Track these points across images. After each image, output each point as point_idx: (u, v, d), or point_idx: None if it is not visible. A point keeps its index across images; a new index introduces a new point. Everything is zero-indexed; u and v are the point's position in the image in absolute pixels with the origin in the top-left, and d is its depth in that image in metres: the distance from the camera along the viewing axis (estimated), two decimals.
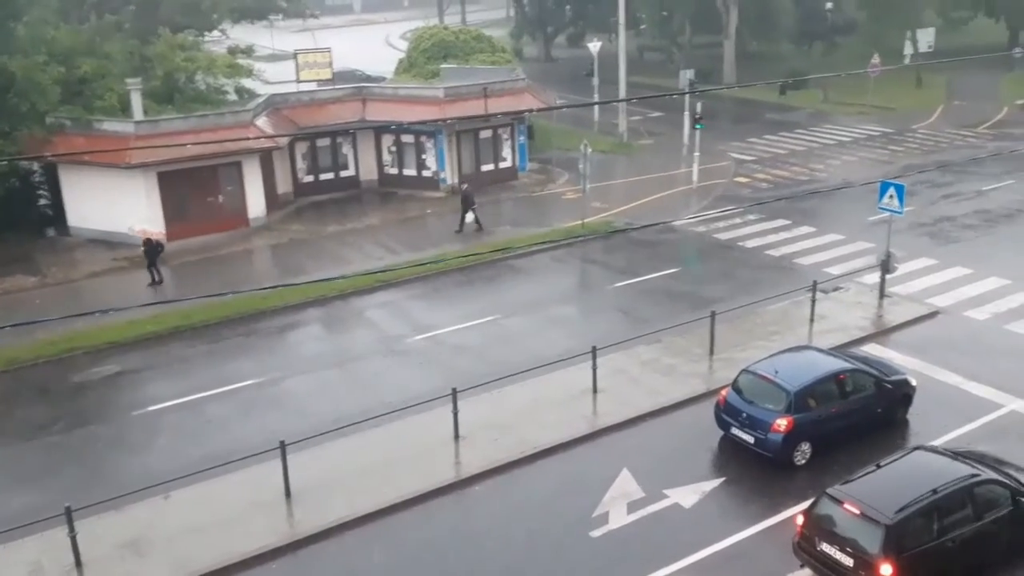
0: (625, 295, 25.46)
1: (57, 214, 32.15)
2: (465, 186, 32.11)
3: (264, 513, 15.55)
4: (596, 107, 46.34)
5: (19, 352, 21.93)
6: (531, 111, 37.17)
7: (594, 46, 44.73)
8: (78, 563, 14.13)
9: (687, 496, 15.94)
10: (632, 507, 15.69)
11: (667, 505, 15.73)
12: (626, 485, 16.27)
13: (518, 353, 21.42)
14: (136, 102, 30.08)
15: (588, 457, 17.33)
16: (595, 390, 19.26)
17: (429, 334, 23.04)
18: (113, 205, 30.31)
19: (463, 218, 30.82)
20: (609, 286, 26.22)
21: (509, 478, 16.72)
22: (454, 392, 17.51)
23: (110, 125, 29.85)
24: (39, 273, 27.90)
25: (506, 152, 37.88)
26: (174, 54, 34.18)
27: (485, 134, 36.96)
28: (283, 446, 15.71)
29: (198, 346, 22.91)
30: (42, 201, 33.65)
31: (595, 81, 44.07)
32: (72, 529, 14.01)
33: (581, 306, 25.43)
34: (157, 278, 26.79)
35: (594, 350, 19.19)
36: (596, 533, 15.06)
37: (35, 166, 33.00)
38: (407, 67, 44.04)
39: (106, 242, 30.21)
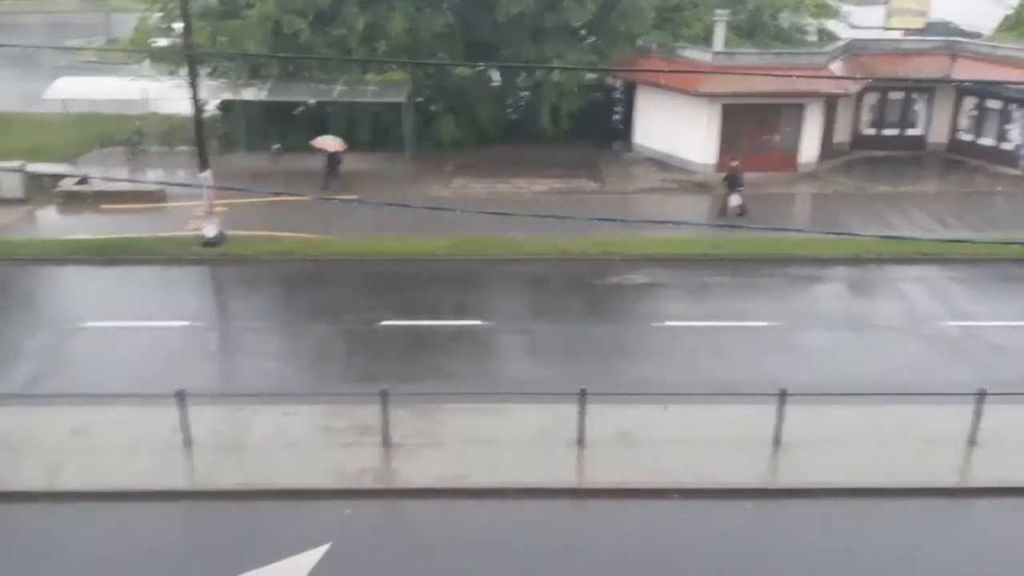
0: None
1: (626, 130, 35.16)
2: (735, 163, 27.31)
3: (747, 452, 15.70)
4: None
5: (570, 245, 24.78)
6: None
7: None
8: (580, 440, 15.83)
9: None
10: None
11: None
12: None
13: None
14: (719, 33, 31.09)
15: None
16: None
17: (965, 323, 20.76)
18: (675, 129, 32.16)
19: (726, 201, 26.96)
20: None
21: None
22: (981, 394, 15.64)
23: (690, 53, 31.39)
24: (600, 180, 30.97)
25: None
26: None
27: None
28: (782, 395, 15.62)
29: (721, 277, 23.58)
30: (615, 116, 37.09)
31: None
32: (583, 410, 15.68)
33: None
34: (331, 186, 28.55)
35: None
36: None
37: (617, 83, 36.35)
38: (1013, 24, 38.77)
39: (661, 163, 32.33)
